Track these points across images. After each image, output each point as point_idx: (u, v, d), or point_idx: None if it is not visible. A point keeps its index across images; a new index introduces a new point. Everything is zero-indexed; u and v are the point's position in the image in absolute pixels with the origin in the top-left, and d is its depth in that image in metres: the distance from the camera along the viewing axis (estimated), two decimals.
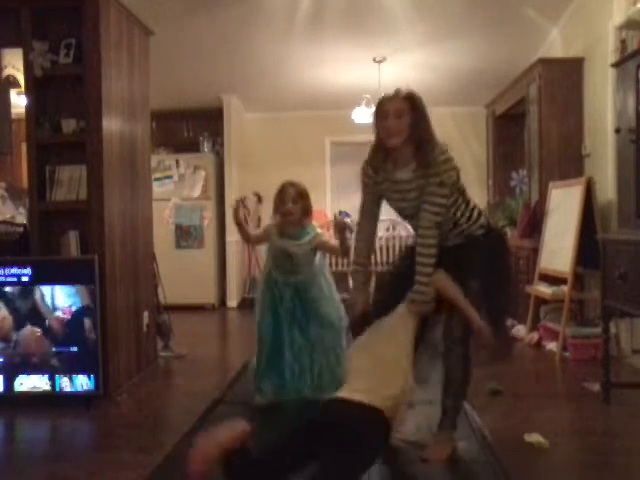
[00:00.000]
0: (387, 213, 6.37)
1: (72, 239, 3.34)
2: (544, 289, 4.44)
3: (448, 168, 2.36)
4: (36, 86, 3.38)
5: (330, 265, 6.34)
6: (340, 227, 3.05)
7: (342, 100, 6.41)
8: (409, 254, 2.55)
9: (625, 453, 2.53)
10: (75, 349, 3.20)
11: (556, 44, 5.33)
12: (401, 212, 2.58)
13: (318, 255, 3.26)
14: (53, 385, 3.21)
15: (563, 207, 4.51)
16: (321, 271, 3.27)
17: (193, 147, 6.92)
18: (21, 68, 3.43)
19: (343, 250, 3.14)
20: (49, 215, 3.43)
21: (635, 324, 3.86)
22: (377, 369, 2.22)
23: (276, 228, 3.21)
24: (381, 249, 6.41)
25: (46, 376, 3.21)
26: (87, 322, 3.19)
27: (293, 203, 3.17)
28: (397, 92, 2.47)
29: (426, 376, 2.56)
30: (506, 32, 5.24)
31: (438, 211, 2.36)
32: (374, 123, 2.46)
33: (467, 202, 2.50)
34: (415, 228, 2.52)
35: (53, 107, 3.46)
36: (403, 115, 2.41)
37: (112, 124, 3.49)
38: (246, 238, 3.34)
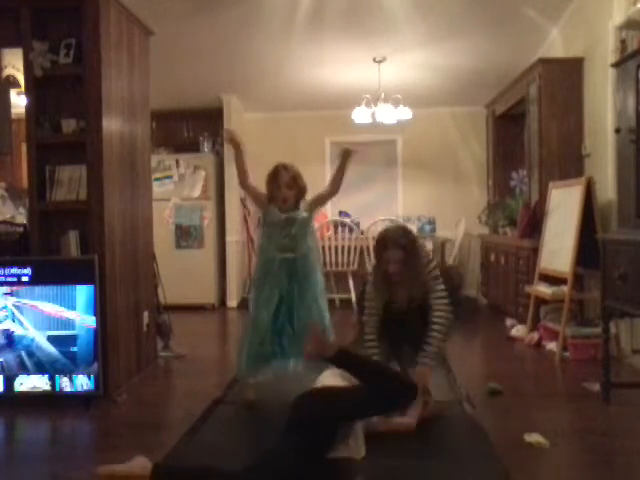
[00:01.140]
0: (386, 213, 6.49)
1: (72, 239, 3.34)
2: (544, 289, 4.44)
3: (433, 281, 3.04)
4: (36, 86, 3.38)
5: (330, 265, 6.37)
6: (346, 153, 3.19)
7: (342, 100, 6.41)
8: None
9: (625, 453, 2.53)
10: (75, 349, 3.21)
11: (556, 44, 5.33)
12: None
13: (310, 228, 3.29)
14: (53, 385, 3.21)
15: (563, 207, 4.51)
16: (313, 245, 3.28)
17: (193, 147, 6.92)
18: (21, 68, 3.43)
19: (339, 176, 3.26)
20: (49, 215, 3.43)
21: (635, 324, 3.86)
22: None
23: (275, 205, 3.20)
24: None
25: (46, 376, 3.21)
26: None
27: (288, 189, 3.15)
28: (398, 240, 2.92)
29: None
30: (506, 32, 5.24)
31: (446, 309, 3.02)
32: (377, 251, 3.00)
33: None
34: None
35: (53, 107, 3.46)
36: (401, 262, 2.91)
37: (112, 124, 3.49)
38: (241, 169, 3.17)
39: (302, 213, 3.21)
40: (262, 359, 3.17)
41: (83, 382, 3.21)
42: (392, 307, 3.03)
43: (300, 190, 3.22)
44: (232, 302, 6.82)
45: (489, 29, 5.19)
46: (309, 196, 3.32)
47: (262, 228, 3.31)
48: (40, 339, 3.21)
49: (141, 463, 2.15)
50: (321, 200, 3.35)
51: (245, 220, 7.12)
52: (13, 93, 4.11)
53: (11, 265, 3.23)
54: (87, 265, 3.23)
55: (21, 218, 4.31)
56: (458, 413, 2.99)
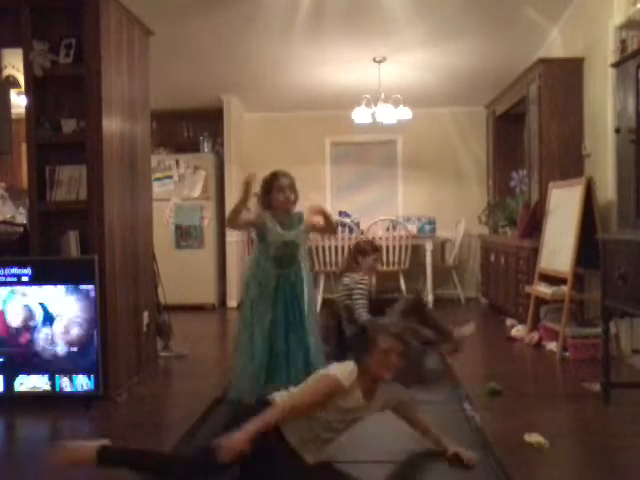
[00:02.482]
0: (386, 213, 6.56)
1: (72, 239, 3.34)
2: (544, 289, 4.43)
3: None
4: (36, 86, 3.38)
5: (330, 265, 6.37)
6: (318, 211, 3.28)
7: (342, 100, 6.41)
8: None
9: (625, 453, 2.53)
10: (75, 349, 3.21)
11: (556, 44, 5.33)
12: None
13: (305, 250, 3.41)
14: (53, 385, 3.21)
15: (563, 207, 4.51)
16: (306, 267, 3.37)
17: (193, 147, 6.91)
18: (21, 68, 3.43)
19: (331, 226, 3.41)
20: (49, 215, 3.43)
21: (635, 324, 3.87)
22: None
23: (273, 218, 3.21)
24: (381, 249, 6.40)
25: (46, 376, 3.21)
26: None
27: (290, 191, 3.22)
28: (374, 244, 4.19)
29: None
30: (506, 32, 5.24)
31: None
32: (365, 252, 4.06)
33: None
34: None
35: (53, 107, 3.46)
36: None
37: (112, 124, 3.49)
38: (239, 211, 3.13)
39: (300, 234, 3.28)
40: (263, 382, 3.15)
41: (83, 382, 3.21)
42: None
43: (297, 197, 3.28)
44: (232, 302, 6.82)
45: (489, 29, 5.19)
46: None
47: (259, 244, 3.31)
48: None
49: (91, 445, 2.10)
50: (317, 231, 3.49)
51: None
52: (13, 93, 4.11)
53: (11, 265, 3.23)
54: (87, 265, 3.23)
55: (21, 218, 4.31)
56: (458, 413, 2.99)
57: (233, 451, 1.98)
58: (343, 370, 2.19)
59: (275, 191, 3.19)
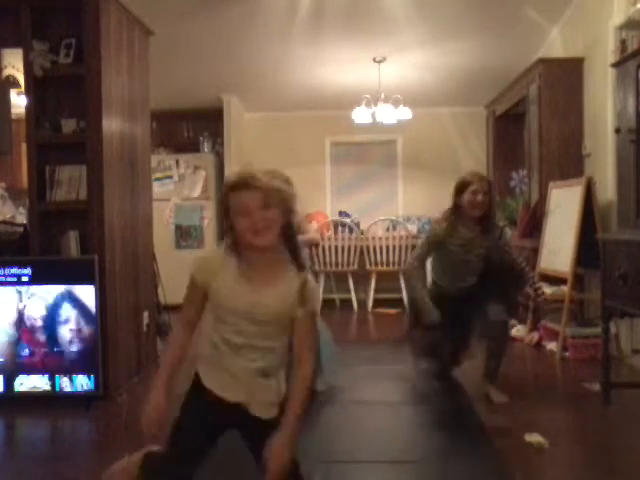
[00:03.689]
0: (386, 213, 6.56)
1: (72, 239, 3.34)
2: (544, 289, 4.43)
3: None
4: (36, 86, 3.37)
5: (330, 265, 6.37)
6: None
7: (342, 100, 6.41)
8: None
9: (625, 453, 2.53)
10: (75, 349, 3.21)
11: (556, 44, 5.33)
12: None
13: None
14: (53, 385, 3.21)
15: (563, 207, 4.51)
16: None
17: (193, 147, 6.91)
18: (21, 68, 3.43)
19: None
20: (49, 215, 3.43)
21: (635, 324, 3.86)
22: None
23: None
24: (380, 249, 6.40)
25: (46, 376, 3.21)
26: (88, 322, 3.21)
27: None
28: (481, 175, 3.34)
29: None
30: (506, 32, 5.24)
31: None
32: (460, 189, 3.33)
33: None
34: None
35: (53, 107, 3.46)
36: (487, 194, 3.23)
37: (112, 124, 3.49)
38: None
39: None
40: None
41: (83, 382, 3.21)
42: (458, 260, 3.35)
43: None
44: None
45: (489, 29, 5.19)
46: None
47: None
48: None
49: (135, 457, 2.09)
50: None
51: None
52: (13, 93, 4.10)
53: (11, 265, 3.23)
54: (87, 265, 3.23)
55: (21, 218, 4.31)
56: (458, 413, 2.99)
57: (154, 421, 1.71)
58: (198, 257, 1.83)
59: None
